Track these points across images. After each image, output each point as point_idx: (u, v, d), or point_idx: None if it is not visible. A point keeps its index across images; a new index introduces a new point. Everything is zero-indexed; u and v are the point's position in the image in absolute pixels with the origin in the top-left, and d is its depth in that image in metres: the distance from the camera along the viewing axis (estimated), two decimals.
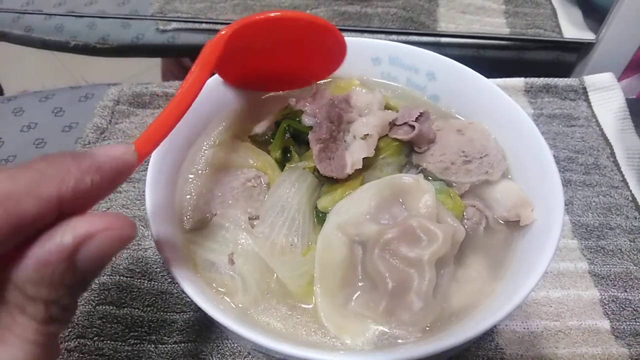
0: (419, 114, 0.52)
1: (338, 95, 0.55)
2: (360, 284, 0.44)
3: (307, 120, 0.53)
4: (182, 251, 0.46)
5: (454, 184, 0.51)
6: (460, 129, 0.54)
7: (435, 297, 0.42)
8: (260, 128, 0.55)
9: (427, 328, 0.43)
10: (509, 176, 0.52)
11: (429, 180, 0.51)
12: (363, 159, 0.49)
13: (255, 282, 0.44)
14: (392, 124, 0.52)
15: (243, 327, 0.38)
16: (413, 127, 0.51)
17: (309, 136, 0.50)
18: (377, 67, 0.59)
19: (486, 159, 0.52)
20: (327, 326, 0.43)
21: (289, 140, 0.53)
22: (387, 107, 0.56)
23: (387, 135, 0.52)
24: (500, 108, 0.53)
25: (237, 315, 0.43)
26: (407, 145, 0.53)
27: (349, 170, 0.48)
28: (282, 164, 0.52)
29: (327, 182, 0.50)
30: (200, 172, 0.54)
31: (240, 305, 0.44)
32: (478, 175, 0.51)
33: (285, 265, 0.44)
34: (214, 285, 0.45)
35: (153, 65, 1.39)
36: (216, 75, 0.55)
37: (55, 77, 1.90)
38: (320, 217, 0.48)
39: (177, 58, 1.24)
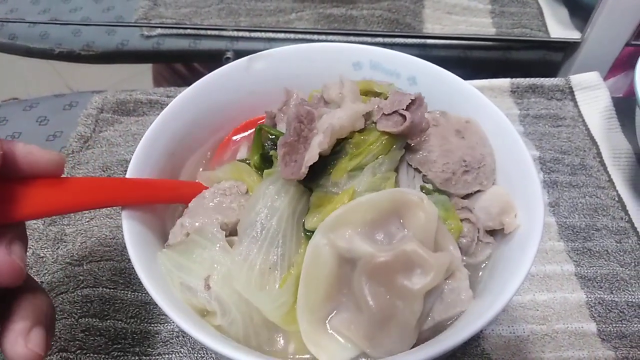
0: (410, 100, 0.46)
1: (316, 94, 0.52)
2: (344, 301, 0.43)
3: (282, 127, 0.51)
4: (161, 268, 0.45)
5: (451, 197, 0.49)
6: (459, 129, 0.51)
7: (417, 324, 0.41)
8: (241, 153, 0.55)
9: None
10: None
11: (431, 191, 0.48)
12: (338, 161, 0.46)
13: (234, 305, 0.42)
14: (382, 114, 0.47)
15: (228, 348, 0.37)
16: (404, 117, 0.45)
17: (278, 142, 0.46)
18: (358, 72, 0.59)
19: (482, 170, 0.50)
20: (305, 344, 0.42)
21: (272, 149, 0.51)
22: (372, 94, 0.53)
23: (375, 126, 0.47)
24: (481, 112, 0.52)
25: (219, 335, 0.42)
26: (399, 138, 0.48)
27: (303, 170, 0.42)
28: (262, 170, 0.50)
29: (316, 189, 0.46)
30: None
31: (220, 325, 0.43)
32: (473, 187, 0.49)
33: (262, 298, 0.42)
34: (192, 306, 0.44)
35: (144, 70, 1.38)
36: (198, 87, 0.55)
37: (46, 82, 1.89)
38: (308, 235, 0.45)
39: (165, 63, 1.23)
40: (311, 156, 0.43)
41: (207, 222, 0.47)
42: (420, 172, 0.49)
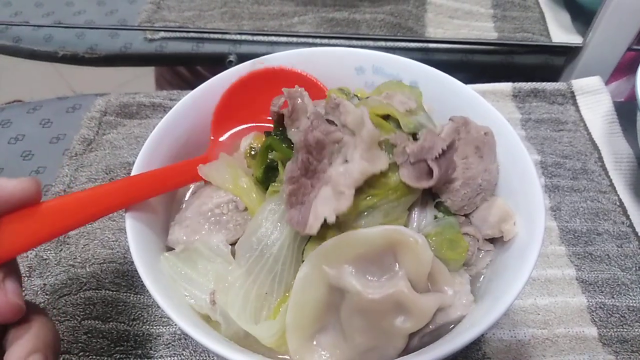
0: (441, 151, 0.41)
1: (334, 97, 0.45)
2: (332, 322, 0.43)
3: (293, 135, 0.47)
4: (165, 275, 0.45)
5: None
6: (479, 145, 0.49)
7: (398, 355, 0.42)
8: (245, 141, 0.54)
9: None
10: None
11: (442, 217, 0.47)
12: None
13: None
14: (407, 159, 0.42)
15: (231, 351, 0.37)
16: (431, 168, 0.41)
17: (285, 170, 0.42)
18: (360, 77, 0.59)
19: (490, 189, 0.49)
20: (292, 355, 0.42)
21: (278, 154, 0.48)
22: (393, 121, 0.47)
23: (397, 168, 0.43)
24: (482, 116, 0.52)
25: (222, 338, 0.42)
26: None
27: (308, 231, 0.39)
28: (265, 183, 0.48)
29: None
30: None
31: (224, 334, 0.43)
32: (478, 205, 0.49)
33: (257, 330, 0.42)
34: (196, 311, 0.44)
35: (146, 72, 1.39)
36: (201, 91, 0.56)
37: (49, 84, 1.90)
38: None
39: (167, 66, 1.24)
40: (314, 223, 0.39)
41: (220, 242, 0.46)
42: (435, 193, 0.47)
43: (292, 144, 0.46)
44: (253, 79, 0.57)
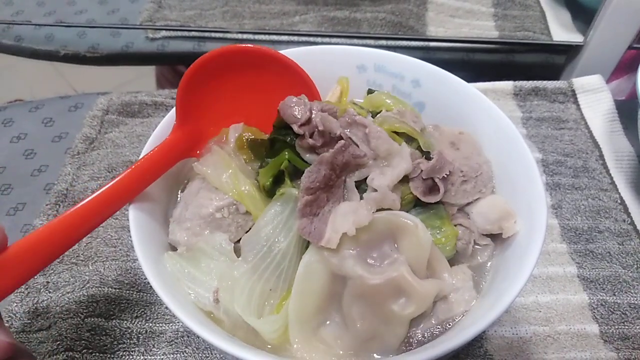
0: (449, 172, 0.47)
1: (352, 113, 0.48)
2: (334, 313, 0.43)
3: (308, 155, 0.47)
4: (169, 272, 0.45)
5: (447, 204, 0.49)
6: (454, 141, 0.52)
7: (400, 344, 0.42)
8: (233, 132, 0.52)
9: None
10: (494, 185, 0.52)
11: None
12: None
13: (240, 317, 0.43)
14: (419, 174, 0.46)
15: (235, 347, 0.38)
16: (437, 186, 0.46)
17: (302, 178, 0.43)
18: (362, 75, 0.59)
19: (480, 178, 0.50)
20: (295, 352, 0.42)
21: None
22: (402, 134, 0.50)
23: (406, 179, 0.46)
24: (484, 115, 0.53)
25: (226, 334, 0.43)
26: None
27: (325, 243, 0.41)
28: (272, 192, 0.47)
29: None
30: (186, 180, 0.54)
31: (227, 331, 0.43)
32: (473, 195, 0.50)
33: (260, 325, 0.42)
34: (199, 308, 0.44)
35: (146, 72, 1.39)
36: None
37: (48, 84, 1.90)
38: None
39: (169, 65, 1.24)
40: (332, 237, 0.41)
41: (222, 240, 0.47)
42: None
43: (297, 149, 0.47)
44: (217, 58, 0.56)
